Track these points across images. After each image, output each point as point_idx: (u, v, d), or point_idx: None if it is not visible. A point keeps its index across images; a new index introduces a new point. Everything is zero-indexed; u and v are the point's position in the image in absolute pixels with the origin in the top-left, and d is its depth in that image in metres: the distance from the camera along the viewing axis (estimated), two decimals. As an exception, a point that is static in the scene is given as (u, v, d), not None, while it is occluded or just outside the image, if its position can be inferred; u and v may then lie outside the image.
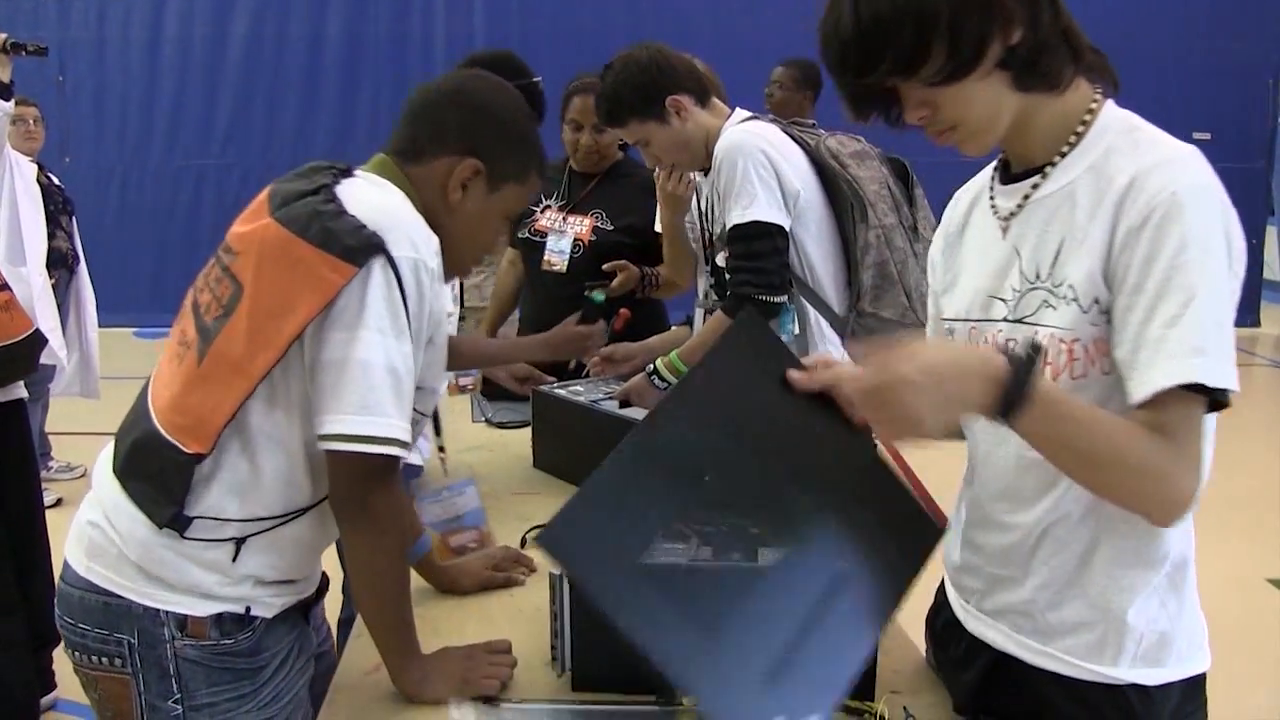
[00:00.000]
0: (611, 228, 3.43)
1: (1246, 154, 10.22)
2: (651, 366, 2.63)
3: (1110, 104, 1.39)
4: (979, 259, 1.50)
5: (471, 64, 2.68)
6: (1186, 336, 1.22)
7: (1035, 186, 1.40)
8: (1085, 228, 1.32)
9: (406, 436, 1.52)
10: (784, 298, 2.57)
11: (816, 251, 2.62)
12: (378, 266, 1.45)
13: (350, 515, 1.56)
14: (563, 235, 3.43)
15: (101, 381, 5.21)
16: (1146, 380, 1.24)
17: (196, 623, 1.56)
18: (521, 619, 1.88)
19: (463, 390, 3.31)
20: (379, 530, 1.55)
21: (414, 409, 1.57)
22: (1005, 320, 1.42)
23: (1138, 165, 1.29)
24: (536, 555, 2.12)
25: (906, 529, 1.47)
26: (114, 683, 1.58)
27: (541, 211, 3.50)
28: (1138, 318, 1.25)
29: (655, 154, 2.69)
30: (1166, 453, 1.24)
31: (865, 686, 1.60)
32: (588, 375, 2.85)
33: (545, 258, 3.43)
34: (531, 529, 2.24)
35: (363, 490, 1.53)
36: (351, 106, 9.66)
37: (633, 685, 1.61)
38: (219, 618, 1.57)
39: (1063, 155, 1.37)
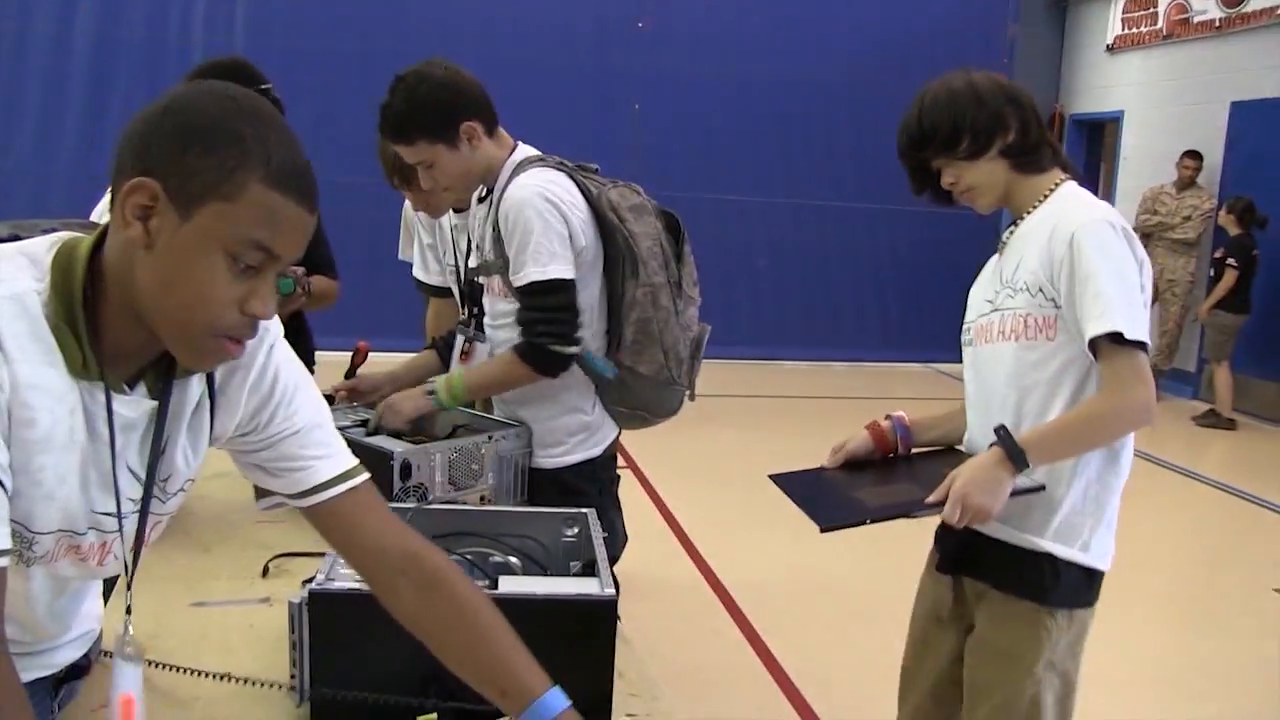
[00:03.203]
0: None
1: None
2: (431, 384, 2.64)
3: (1069, 183, 2.21)
4: (983, 283, 2.31)
5: (199, 74, 2.58)
6: (1099, 306, 1.98)
7: (1012, 229, 2.23)
8: (1034, 249, 2.12)
9: None
10: (577, 348, 2.62)
11: (584, 302, 2.65)
12: None
13: None
14: None
15: None
16: (1085, 340, 2.01)
17: None
18: (262, 647, 1.86)
19: None
20: None
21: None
22: (991, 312, 2.22)
23: (1062, 213, 2.12)
24: (277, 584, 2.11)
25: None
26: None
27: None
28: (1078, 302, 2.02)
29: (436, 176, 2.65)
30: (1117, 394, 2.01)
31: (600, 709, 1.65)
32: (333, 403, 2.76)
33: None
34: (274, 557, 2.22)
35: None
36: (100, 114, 9.13)
37: (373, 715, 1.61)
38: None
39: (1032, 210, 2.20)
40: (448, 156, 2.60)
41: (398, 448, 2.42)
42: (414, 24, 9.39)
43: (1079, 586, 2.16)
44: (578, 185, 2.66)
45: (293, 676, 1.68)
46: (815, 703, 3.86)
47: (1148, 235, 9.47)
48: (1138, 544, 5.02)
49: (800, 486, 2.28)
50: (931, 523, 2.27)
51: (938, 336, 10.09)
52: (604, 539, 1.92)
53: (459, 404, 2.67)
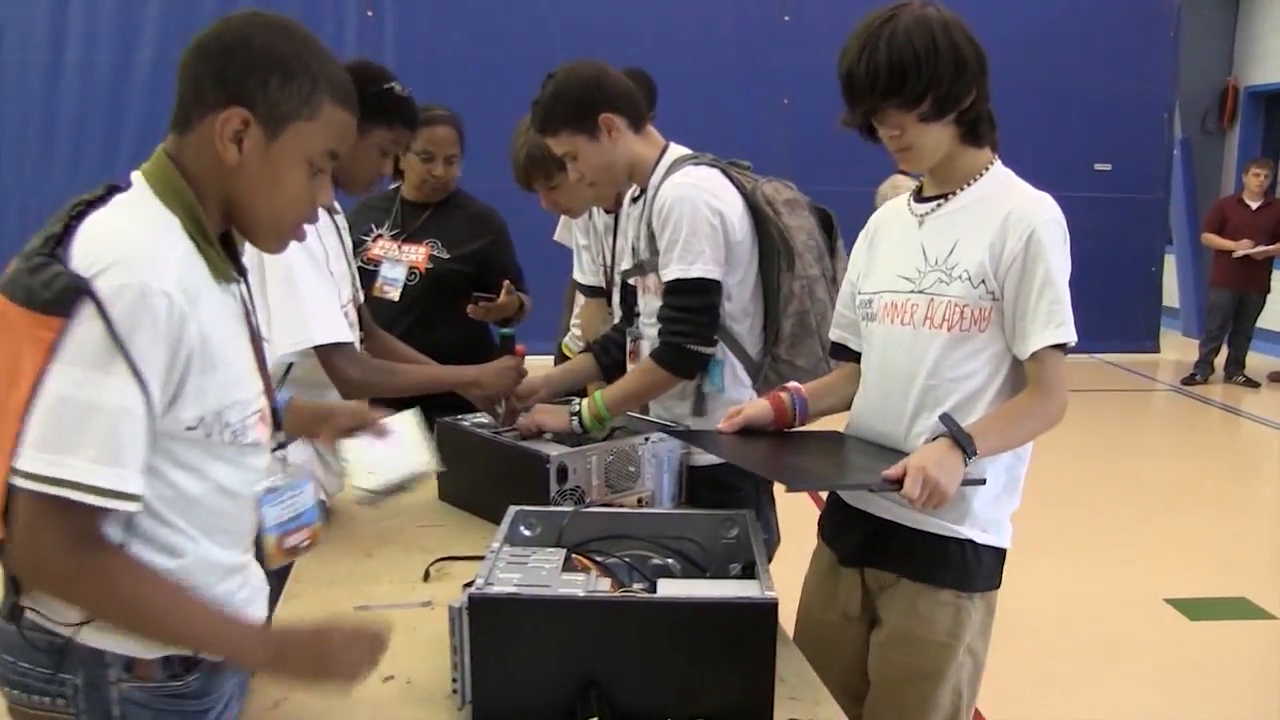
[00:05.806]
0: (448, 256, 3.45)
1: (1145, 185, 10.50)
2: (576, 406, 2.62)
3: (999, 163, 2.12)
4: (894, 252, 2.18)
5: None
6: (1058, 314, 1.98)
7: (940, 205, 2.11)
8: (979, 237, 2.03)
9: (113, 484, 1.32)
10: (714, 349, 2.61)
11: (739, 296, 2.64)
12: (85, 312, 1.31)
13: (29, 573, 1.41)
14: (398, 263, 3.42)
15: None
16: (1029, 344, 2.00)
17: (144, 665, 1.46)
18: (422, 650, 1.87)
19: None
20: (75, 594, 1.40)
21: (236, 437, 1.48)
22: (912, 292, 2.11)
23: (1013, 202, 2.04)
24: (438, 587, 2.13)
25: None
26: None
27: (373, 240, 3.48)
28: (1026, 303, 1.99)
29: (580, 169, 2.67)
30: (1048, 396, 2.01)
31: (761, 713, 1.63)
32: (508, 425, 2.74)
33: (378, 284, 3.40)
34: (435, 561, 2.24)
35: (40, 542, 1.35)
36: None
37: (535, 717, 1.61)
38: (167, 660, 1.47)
39: (966, 187, 2.09)
40: (588, 148, 2.63)
41: (554, 451, 2.42)
42: (557, 31, 9.45)
43: (994, 569, 2.16)
44: (731, 180, 2.64)
45: (454, 680, 1.69)
46: (979, 703, 3.74)
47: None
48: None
49: (726, 449, 2.24)
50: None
51: (1105, 327, 9.84)
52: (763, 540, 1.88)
53: (603, 425, 2.63)
